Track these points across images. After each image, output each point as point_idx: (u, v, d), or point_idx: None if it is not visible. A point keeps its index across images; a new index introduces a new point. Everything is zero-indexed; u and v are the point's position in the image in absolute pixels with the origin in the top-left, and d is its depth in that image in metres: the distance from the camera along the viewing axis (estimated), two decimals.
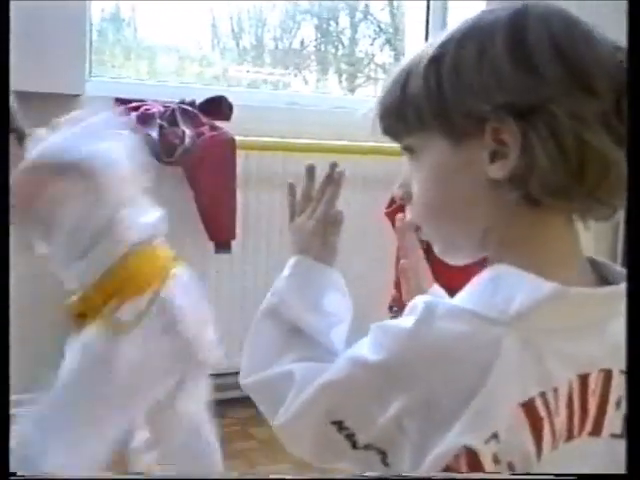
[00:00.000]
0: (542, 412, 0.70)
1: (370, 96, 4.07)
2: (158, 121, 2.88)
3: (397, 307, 2.42)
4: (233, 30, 3.83)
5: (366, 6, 4.03)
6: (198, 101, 3.06)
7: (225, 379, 3.29)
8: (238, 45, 3.87)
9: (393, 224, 2.32)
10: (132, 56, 3.75)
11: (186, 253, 3.10)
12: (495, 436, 0.68)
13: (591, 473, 0.76)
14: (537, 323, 0.69)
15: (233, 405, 3.24)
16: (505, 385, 0.68)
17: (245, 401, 3.34)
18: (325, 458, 0.83)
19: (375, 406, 0.72)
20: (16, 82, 2.27)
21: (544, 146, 0.69)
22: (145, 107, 2.95)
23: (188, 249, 3.08)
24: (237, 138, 3.00)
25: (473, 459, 0.68)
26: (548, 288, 0.69)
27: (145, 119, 2.89)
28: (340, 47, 4.15)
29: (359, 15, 4.06)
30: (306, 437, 0.81)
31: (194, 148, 2.87)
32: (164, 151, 2.84)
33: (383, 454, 0.74)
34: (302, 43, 3.97)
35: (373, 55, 4.19)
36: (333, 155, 3.29)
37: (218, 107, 3.06)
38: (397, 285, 2.35)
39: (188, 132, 2.88)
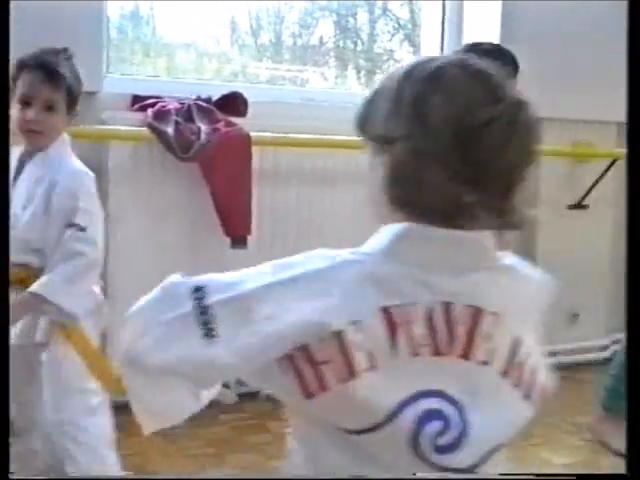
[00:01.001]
0: (397, 319, 0.92)
1: None
2: (174, 117, 2.90)
3: None
4: (252, 27, 3.83)
5: (384, 2, 4.02)
6: (215, 97, 3.07)
7: None
8: (256, 42, 3.88)
9: None
10: (151, 53, 3.77)
11: (202, 249, 3.13)
12: (357, 324, 0.91)
13: (591, 473, 0.86)
14: (403, 256, 0.95)
15: (249, 399, 3.26)
16: (369, 292, 0.93)
17: (261, 395, 3.35)
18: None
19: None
20: None
21: (388, 169, 0.96)
22: (161, 104, 2.97)
23: (204, 245, 3.10)
24: (252, 134, 3.01)
25: (339, 341, 0.90)
26: (409, 228, 0.96)
27: (161, 116, 2.91)
28: (359, 43, 4.14)
29: (377, 11, 4.05)
30: None
31: (210, 144, 2.88)
32: (180, 147, 2.86)
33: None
34: (321, 40, 3.96)
35: (392, 51, 4.18)
36: (349, 151, 3.32)
37: (234, 103, 3.07)
38: None
39: (204, 128, 2.90)
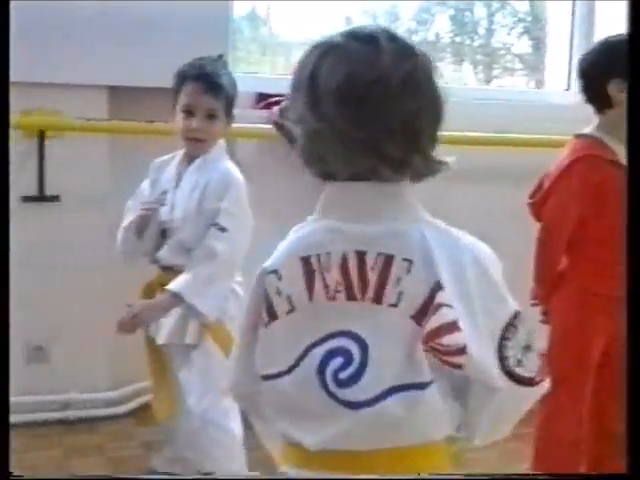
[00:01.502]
0: (315, 267, 1.02)
1: (508, 87, 3.97)
2: None
3: (536, 299, 2.34)
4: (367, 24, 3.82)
5: None
6: None
7: None
8: None
9: (536, 215, 2.27)
10: (267, 52, 3.80)
11: None
12: (277, 272, 1.04)
13: (591, 473, 0.88)
14: (326, 212, 1.05)
15: None
16: (290, 247, 1.05)
17: None
18: None
19: None
20: (166, 79, 2.37)
21: (298, 151, 1.06)
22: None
23: None
24: None
25: (263, 287, 1.04)
26: (329, 189, 1.06)
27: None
28: (476, 38, 4.07)
29: (495, 5, 3.97)
30: None
31: None
32: None
33: None
34: (437, 35, 3.91)
35: (510, 45, 4.09)
36: (466, 147, 3.26)
37: None
38: (534, 277, 2.29)
39: None
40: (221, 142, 2.20)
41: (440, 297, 0.99)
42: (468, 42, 4.05)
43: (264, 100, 3.03)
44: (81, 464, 2.62)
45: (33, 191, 2.81)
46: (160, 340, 2.15)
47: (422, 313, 0.99)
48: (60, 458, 2.65)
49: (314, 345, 1.02)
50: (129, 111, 2.82)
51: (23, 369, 2.88)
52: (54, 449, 2.70)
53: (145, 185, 2.29)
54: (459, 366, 0.99)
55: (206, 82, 2.11)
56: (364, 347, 1.00)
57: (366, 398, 0.99)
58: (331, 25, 3.63)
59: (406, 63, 1.00)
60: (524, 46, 4.10)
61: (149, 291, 2.23)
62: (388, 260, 1.00)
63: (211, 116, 2.12)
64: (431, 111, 1.03)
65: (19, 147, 2.79)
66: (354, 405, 0.99)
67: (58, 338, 2.88)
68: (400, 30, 3.84)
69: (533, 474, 0.88)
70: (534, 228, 2.28)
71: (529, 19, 4.05)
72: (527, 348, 1.04)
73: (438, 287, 0.99)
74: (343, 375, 1.00)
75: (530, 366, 1.04)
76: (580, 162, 2.12)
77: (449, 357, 0.99)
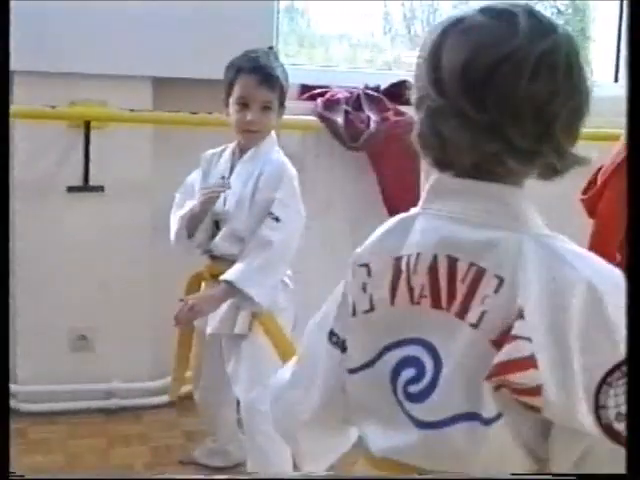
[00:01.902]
0: (403, 268, 0.95)
1: None
2: (344, 106, 2.89)
3: None
4: (405, 16, 3.79)
5: None
6: (382, 86, 3.05)
7: None
8: (409, 31, 3.84)
9: (590, 211, 2.24)
10: (305, 44, 3.80)
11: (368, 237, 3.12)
12: (367, 268, 0.99)
13: (591, 473, 0.85)
14: (429, 208, 0.98)
15: None
16: (381, 240, 1.02)
17: None
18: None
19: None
20: (210, 71, 2.37)
21: (415, 130, 0.98)
22: (331, 93, 2.97)
23: (371, 234, 3.09)
24: None
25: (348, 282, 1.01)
26: (436, 181, 0.99)
27: (331, 105, 2.91)
28: None
29: None
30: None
31: (379, 133, 2.86)
32: (349, 136, 2.85)
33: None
34: None
35: None
36: None
37: (402, 92, 3.03)
38: None
39: (373, 117, 2.88)
40: (273, 134, 2.20)
41: (518, 327, 0.86)
42: None
43: (307, 92, 3.02)
44: (123, 453, 2.63)
45: (78, 181, 2.83)
46: (210, 330, 2.16)
47: (499, 342, 0.87)
48: (102, 446, 2.67)
49: (389, 348, 0.97)
50: (173, 102, 2.83)
51: (67, 358, 2.91)
52: (97, 437, 2.72)
53: (194, 176, 2.30)
54: (534, 408, 0.86)
55: (261, 74, 2.12)
56: (438, 361, 0.92)
57: (432, 420, 0.92)
58: (368, 17, 3.62)
59: (543, 42, 0.90)
60: None
61: (197, 281, 2.24)
62: (479, 273, 0.90)
63: (266, 108, 2.14)
64: (569, 98, 0.92)
65: (65, 138, 2.81)
66: (419, 423, 0.93)
67: (102, 327, 2.90)
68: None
69: (533, 474, 0.81)
70: (583, 223, 2.26)
71: (569, 11, 4.00)
72: (621, 403, 0.86)
73: (520, 315, 0.87)
74: (413, 389, 0.94)
75: (620, 421, 0.86)
76: None
77: (522, 396, 0.87)
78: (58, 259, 2.85)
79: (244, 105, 2.14)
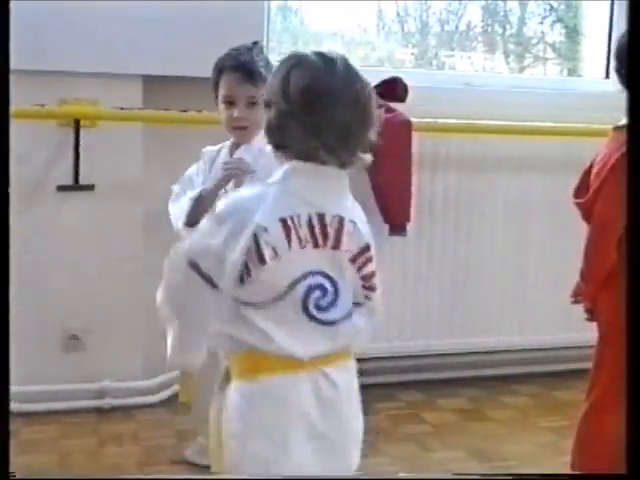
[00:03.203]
0: (290, 225, 1.40)
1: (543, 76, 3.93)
2: None
3: (579, 295, 2.31)
4: (398, 14, 3.79)
5: None
6: (373, 83, 3.04)
7: (396, 362, 3.29)
8: (403, 29, 3.84)
9: (586, 215, 2.24)
10: (299, 42, 3.79)
11: None
12: (266, 230, 1.38)
13: (591, 473, 0.98)
14: (291, 184, 1.43)
15: (404, 388, 3.24)
16: (272, 209, 1.40)
17: (416, 385, 3.36)
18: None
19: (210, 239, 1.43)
20: (200, 69, 2.37)
21: (266, 124, 1.46)
22: None
23: None
24: (413, 120, 2.97)
25: (257, 245, 1.38)
26: (292, 166, 1.43)
27: None
28: (508, 27, 4.03)
29: None
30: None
31: None
32: None
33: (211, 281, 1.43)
34: (469, 25, 3.88)
35: (543, 34, 4.04)
36: (511, 137, 3.23)
37: (393, 89, 3.03)
38: (583, 274, 2.26)
39: None
40: None
41: (369, 253, 1.47)
42: (500, 31, 4.00)
43: None
44: (115, 452, 2.63)
45: (68, 180, 2.82)
46: None
47: (355, 259, 1.45)
48: (95, 446, 2.67)
49: (296, 281, 1.41)
50: (163, 100, 2.82)
51: (59, 358, 2.90)
52: (89, 437, 2.71)
53: (193, 170, 2.30)
54: (374, 298, 1.50)
55: (243, 71, 2.15)
56: (333, 281, 1.43)
57: (341, 316, 1.45)
58: (362, 15, 3.62)
59: (355, 83, 1.42)
60: (556, 35, 4.05)
61: None
62: (341, 220, 1.44)
63: (251, 104, 2.16)
64: (362, 122, 1.42)
65: (55, 136, 2.80)
66: (334, 323, 1.44)
67: (94, 327, 2.89)
68: (431, 20, 3.81)
69: (532, 474, 0.89)
70: (570, 218, 2.27)
71: (562, 7, 4.00)
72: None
73: (368, 246, 1.47)
74: (322, 303, 1.43)
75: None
76: None
77: (373, 293, 1.49)
78: (49, 258, 2.84)
79: (230, 103, 2.18)
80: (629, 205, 1.10)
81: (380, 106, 2.93)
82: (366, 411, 2.96)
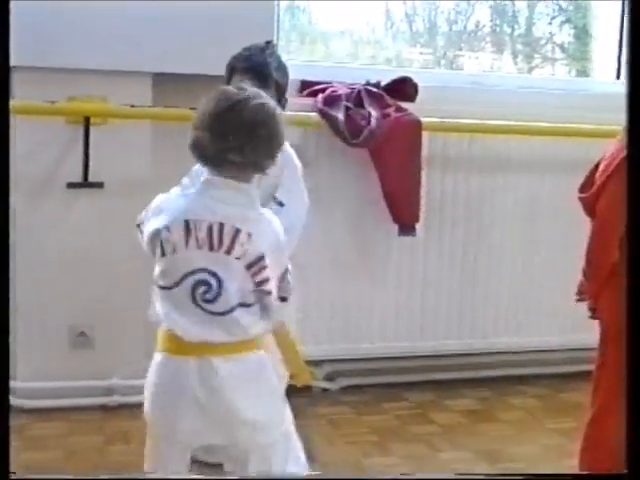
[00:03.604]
0: (191, 227, 1.64)
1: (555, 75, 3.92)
2: (344, 103, 2.88)
3: (583, 293, 2.31)
4: (406, 14, 3.79)
5: None
6: (383, 82, 3.04)
7: (405, 362, 3.29)
8: (411, 28, 3.83)
9: (589, 210, 2.23)
10: (306, 41, 3.79)
11: (369, 235, 3.12)
12: (168, 229, 1.66)
13: (591, 473, 1.00)
14: (203, 192, 1.70)
15: (411, 388, 3.23)
16: (182, 212, 1.67)
17: (424, 385, 3.36)
18: None
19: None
20: (210, 67, 2.36)
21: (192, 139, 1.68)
22: (331, 89, 2.96)
23: (371, 231, 3.09)
24: (423, 120, 2.96)
25: (160, 241, 1.67)
26: (206, 178, 1.71)
27: (331, 101, 2.90)
28: (516, 27, 4.02)
29: None
30: None
31: (380, 130, 2.85)
32: (350, 133, 2.84)
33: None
34: (477, 25, 3.87)
35: (552, 34, 4.03)
36: (520, 137, 3.22)
37: (403, 88, 3.02)
38: (585, 273, 2.26)
39: (374, 113, 2.87)
40: None
41: (263, 262, 1.66)
42: (508, 32, 4.00)
43: (308, 87, 3.01)
44: (122, 450, 2.63)
45: (78, 177, 2.82)
46: None
47: (250, 266, 1.66)
48: (101, 443, 2.67)
49: (188, 274, 1.66)
50: (173, 98, 2.82)
51: (67, 355, 2.90)
52: (96, 434, 2.71)
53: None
54: (268, 300, 1.71)
55: (252, 73, 2.13)
56: (219, 280, 1.65)
57: (223, 310, 1.66)
58: (370, 14, 3.61)
59: (259, 110, 1.67)
60: (565, 35, 4.04)
61: None
62: (237, 231, 1.65)
63: None
64: (265, 139, 1.67)
65: (65, 134, 2.80)
66: (216, 314, 1.66)
67: (102, 324, 2.89)
68: (440, 19, 3.81)
69: (535, 475, 0.87)
70: (581, 219, 2.26)
71: (570, 8, 3.99)
72: (288, 283, 1.77)
73: (262, 256, 1.66)
74: (207, 296, 1.65)
75: (287, 292, 1.77)
76: None
77: (266, 295, 1.70)
78: (58, 255, 2.84)
79: None
80: (629, 205, 1.09)
81: (390, 105, 2.93)
82: (374, 411, 3.02)
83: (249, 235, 1.65)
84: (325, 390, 3.20)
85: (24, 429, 2.71)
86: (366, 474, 2.54)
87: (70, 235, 2.84)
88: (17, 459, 2.50)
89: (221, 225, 1.64)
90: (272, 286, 1.70)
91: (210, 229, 1.64)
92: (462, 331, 3.25)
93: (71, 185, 2.82)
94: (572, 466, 2.31)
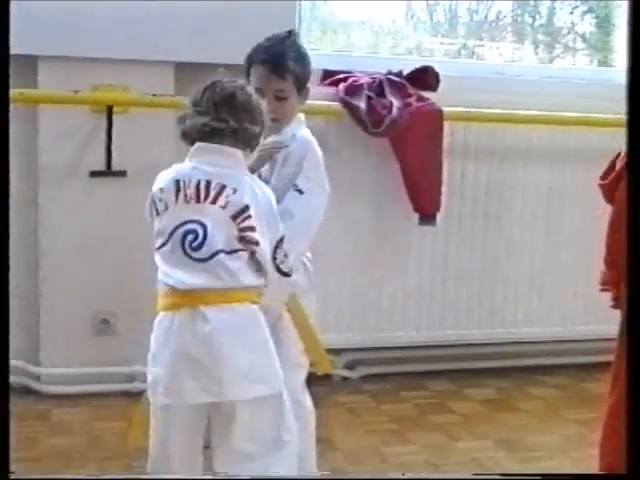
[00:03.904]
0: (181, 185, 1.79)
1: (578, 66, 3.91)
2: (366, 92, 2.88)
3: (607, 284, 2.30)
4: (427, 3, 3.78)
5: None
6: (405, 71, 3.04)
7: (425, 351, 3.29)
8: (432, 18, 3.82)
9: (608, 197, 2.23)
10: (327, 31, 3.79)
11: (390, 224, 3.13)
12: (162, 190, 1.81)
13: (591, 473, 0.96)
14: (193, 157, 1.85)
15: (431, 378, 3.24)
16: (173, 174, 1.83)
17: (444, 374, 3.37)
18: None
19: None
20: (232, 56, 2.37)
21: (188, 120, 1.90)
22: (353, 78, 2.96)
23: (392, 220, 3.09)
24: (444, 109, 2.96)
25: (154, 202, 1.83)
26: (196, 145, 1.86)
27: (353, 90, 2.91)
28: (537, 17, 4.00)
29: None
30: None
31: (402, 119, 2.85)
32: (372, 122, 2.84)
33: None
34: (498, 15, 3.86)
35: (573, 24, 4.01)
36: (542, 127, 3.21)
37: (425, 78, 3.02)
38: (606, 261, 2.25)
39: (395, 103, 2.87)
40: (300, 115, 2.19)
41: (248, 212, 1.77)
42: (530, 21, 3.98)
43: (330, 77, 3.01)
44: (145, 435, 2.65)
45: (101, 166, 2.84)
46: None
47: (235, 217, 1.77)
48: (124, 429, 2.68)
49: (178, 226, 1.77)
50: (195, 87, 2.81)
51: (90, 341, 2.93)
52: (119, 420, 2.73)
53: None
54: (257, 251, 1.79)
55: (270, 65, 2.11)
56: (205, 229, 1.75)
57: (206, 256, 1.75)
58: (391, 4, 3.61)
59: (237, 91, 1.86)
60: (587, 25, 4.02)
61: None
62: (223, 187, 1.79)
63: (279, 98, 2.12)
64: (244, 105, 1.84)
65: (88, 122, 2.83)
66: (201, 260, 1.75)
67: (124, 311, 2.92)
68: (460, 9, 3.80)
69: (535, 475, 0.86)
70: (601, 209, 2.25)
71: None
72: (285, 256, 1.87)
73: (247, 207, 1.78)
74: (194, 244, 1.75)
75: (287, 266, 1.88)
76: None
77: (251, 245, 1.78)
78: (81, 243, 2.86)
79: (261, 94, 2.13)
80: (629, 205, 1.08)
81: (411, 95, 2.93)
82: (394, 399, 3.03)
83: (234, 190, 1.78)
84: (345, 379, 3.21)
85: (48, 415, 2.75)
86: (385, 463, 2.55)
87: (93, 223, 2.87)
88: (42, 444, 2.56)
89: (208, 182, 1.78)
90: (260, 238, 1.78)
91: (198, 185, 1.78)
92: (482, 321, 3.25)
93: (94, 174, 2.85)
94: (591, 455, 2.31)
